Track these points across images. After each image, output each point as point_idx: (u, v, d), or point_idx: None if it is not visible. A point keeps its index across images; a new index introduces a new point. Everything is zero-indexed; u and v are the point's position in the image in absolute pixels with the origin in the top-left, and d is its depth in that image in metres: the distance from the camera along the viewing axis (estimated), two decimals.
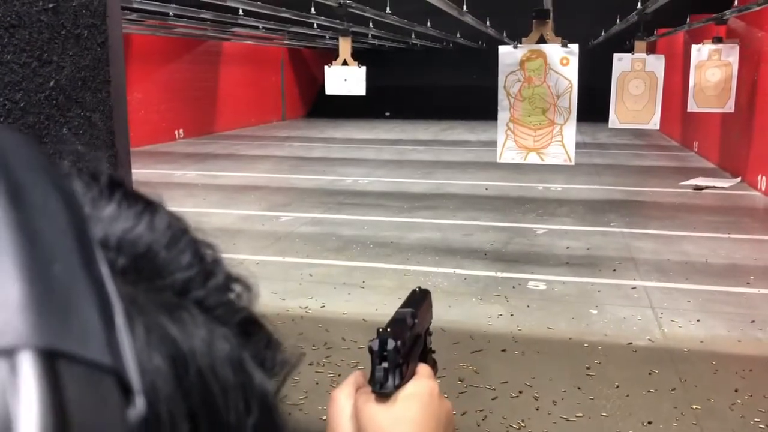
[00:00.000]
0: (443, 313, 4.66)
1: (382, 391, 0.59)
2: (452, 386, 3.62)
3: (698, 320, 4.61)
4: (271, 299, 5.01)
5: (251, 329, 0.30)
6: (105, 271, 0.23)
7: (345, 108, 16.49)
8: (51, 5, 0.97)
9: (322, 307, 4.85)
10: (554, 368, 3.91)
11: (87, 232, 0.24)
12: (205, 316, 0.27)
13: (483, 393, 3.64)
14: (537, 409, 3.47)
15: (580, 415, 3.41)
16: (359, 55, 8.12)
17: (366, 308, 4.70)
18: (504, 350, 4.16)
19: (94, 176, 0.28)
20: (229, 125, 18.08)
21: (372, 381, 0.60)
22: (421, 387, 0.61)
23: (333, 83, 7.51)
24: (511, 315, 4.71)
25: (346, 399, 0.61)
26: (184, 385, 0.24)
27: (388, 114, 21.81)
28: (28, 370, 0.18)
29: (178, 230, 0.30)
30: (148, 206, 0.29)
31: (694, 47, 8.43)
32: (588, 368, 3.93)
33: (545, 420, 3.37)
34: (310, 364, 3.88)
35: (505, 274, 5.59)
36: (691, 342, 4.26)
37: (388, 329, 0.62)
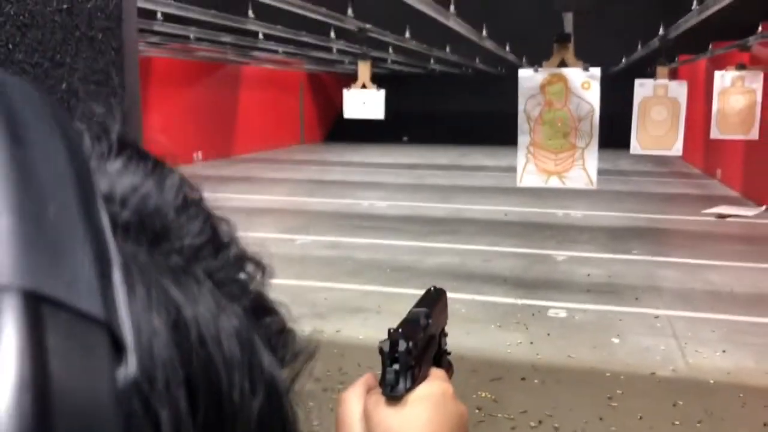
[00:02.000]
0: (462, 340, 4.56)
1: (393, 394, 0.56)
2: (470, 415, 3.51)
3: (724, 351, 4.47)
4: None
5: (263, 313, 0.28)
6: (105, 222, 0.21)
7: (363, 132, 16.52)
8: (65, 6, 0.94)
9: (337, 331, 4.77)
10: (575, 398, 3.80)
11: (89, 179, 0.22)
12: (214, 287, 0.25)
13: (501, 422, 3.53)
14: None
15: None
16: (378, 80, 8.12)
17: (382, 334, 4.55)
18: (523, 378, 4.05)
19: (103, 131, 0.27)
20: (248, 148, 18.18)
21: (383, 383, 0.57)
22: (433, 389, 0.58)
23: (351, 106, 7.50)
24: (531, 343, 4.60)
25: (356, 401, 0.59)
26: (184, 352, 0.22)
27: (406, 139, 21.84)
28: (8, 312, 0.17)
29: (190, 196, 0.28)
30: (159, 167, 0.28)
31: (717, 74, 8.34)
32: (610, 398, 3.81)
33: None
34: (324, 390, 3.79)
35: (524, 301, 5.48)
36: (718, 373, 4.13)
37: (400, 330, 0.59)
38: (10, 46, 0.85)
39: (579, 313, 5.21)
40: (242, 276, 0.28)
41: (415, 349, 0.58)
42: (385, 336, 0.59)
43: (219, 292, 0.25)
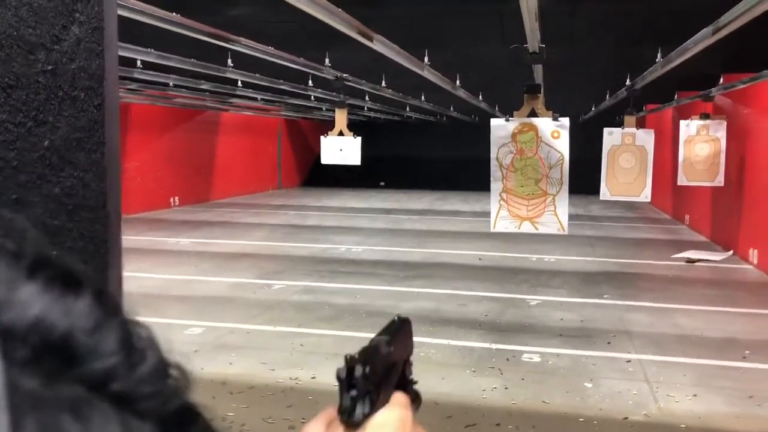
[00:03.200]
0: (436, 385, 4.57)
1: (350, 420, 0.56)
2: None
3: (695, 395, 4.53)
4: (260, 370, 4.91)
5: (186, 419, 0.29)
6: None
7: (340, 177, 16.66)
8: (50, 67, 0.99)
9: (312, 378, 4.75)
10: None
11: None
12: (121, 411, 0.25)
13: None
14: None
15: None
16: (355, 127, 8.25)
17: None
18: (498, 424, 4.06)
19: (18, 255, 0.27)
20: (225, 193, 18.19)
21: (340, 410, 0.57)
22: (392, 415, 0.58)
23: (329, 153, 7.60)
24: (506, 388, 4.62)
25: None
26: None
27: (382, 184, 22.01)
28: None
29: (105, 313, 0.28)
30: (72, 287, 0.27)
31: (683, 123, 8.61)
32: None
33: None
34: None
35: (499, 346, 5.51)
36: (689, 418, 4.18)
37: (357, 356, 0.59)
38: None
39: (553, 358, 5.25)
40: (162, 385, 0.28)
41: (373, 374, 0.58)
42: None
43: (130, 410, 0.25)
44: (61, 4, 1.00)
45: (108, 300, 0.29)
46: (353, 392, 0.57)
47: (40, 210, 0.97)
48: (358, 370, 0.57)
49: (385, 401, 0.59)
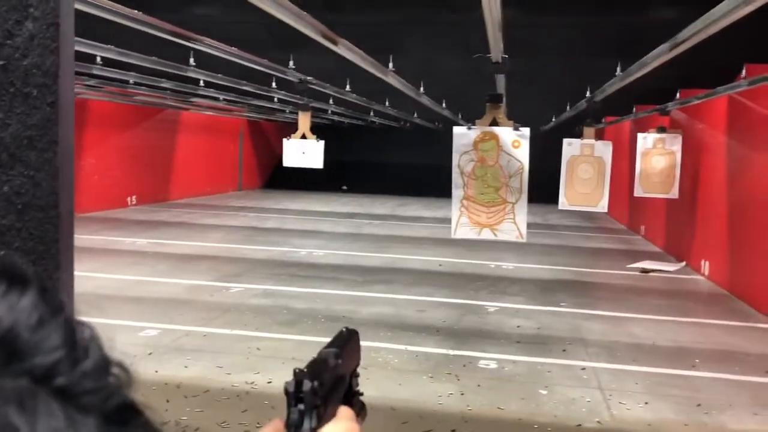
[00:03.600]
0: (393, 391, 4.57)
1: None
2: None
3: (646, 403, 4.62)
4: (216, 373, 4.85)
5: (127, 416, 0.29)
6: None
7: (302, 180, 16.57)
8: (1, 62, 0.96)
9: (268, 383, 4.71)
10: None
11: None
12: (65, 404, 0.26)
13: None
14: None
15: None
16: (318, 130, 8.23)
17: None
18: (454, 430, 4.08)
19: None
20: (184, 193, 17.93)
21: (287, 424, 0.57)
22: (338, 430, 0.58)
23: (291, 155, 7.56)
24: (462, 394, 4.65)
25: None
26: None
27: (345, 188, 21.98)
28: None
29: (49, 310, 0.28)
30: (17, 285, 0.28)
31: (640, 135, 8.81)
32: None
33: None
34: None
35: (456, 352, 5.55)
36: (640, 425, 4.26)
37: (305, 369, 0.59)
38: None
39: (509, 365, 5.30)
40: (104, 381, 0.29)
41: (321, 388, 0.58)
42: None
43: (73, 405, 0.26)
44: (16, 0, 0.98)
45: (53, 298, 0.29)
46: (300, 406, 0.57)
47: None
48: (306, 385, 0.57)
49: (332, 415, 0.60)
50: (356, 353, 0.70)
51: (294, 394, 0.57)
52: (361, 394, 0.70)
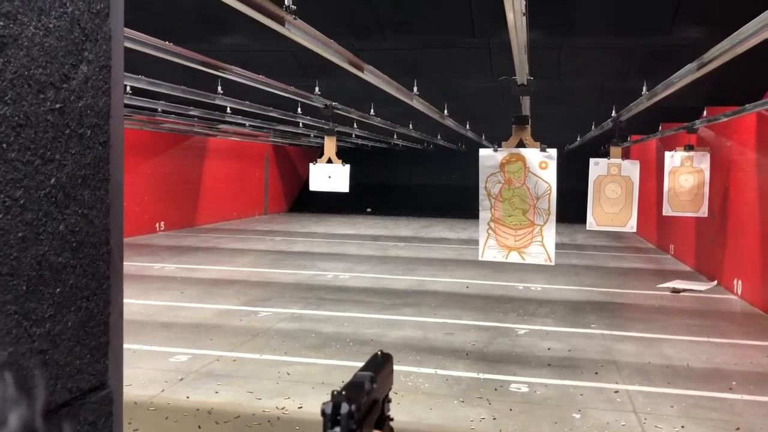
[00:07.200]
0: (423, 416, 4.54)
1: None
2: None
3: (683, 426, 4.53)
4: (246, 399, 4.86)
5: None
6: None
7: (327, 204, 16.68)
8: (58, 105, 1.00)
9: (299, 408, 4.71)
10: None
11: None
12: None
13: None
14: None
15: None
16: (342, 153, 8.30)
17: None
18: None
19: None
20: (211, 219, 18.12)
21: None
22: None
23: (317, 180, 7.62)
24: (494, 418, 4.60)
25: None
26: None
27: (369, 210, 22.04)
28: None
29: None
30: None
31: (668, 154, 8.74)
32: None
33: None
34: None
35: (487, 376, 5.50)
36: None
37: (343, 392, 0.59)
38: (4, 145, 0.91)
39: (541, 388, 5.24)
40: None
41: (358, 412, 0.58)
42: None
43: None
44: (71, 44, 1.02)
45: None
46: (337, 429, 0.57)
47: (45, 248, 0.97)
48: (344, 408, 0.57)
49: None
50: (389, 377, 0.71)
51: (331, 416, 0.57)
52: (392, 420, 0.70)
